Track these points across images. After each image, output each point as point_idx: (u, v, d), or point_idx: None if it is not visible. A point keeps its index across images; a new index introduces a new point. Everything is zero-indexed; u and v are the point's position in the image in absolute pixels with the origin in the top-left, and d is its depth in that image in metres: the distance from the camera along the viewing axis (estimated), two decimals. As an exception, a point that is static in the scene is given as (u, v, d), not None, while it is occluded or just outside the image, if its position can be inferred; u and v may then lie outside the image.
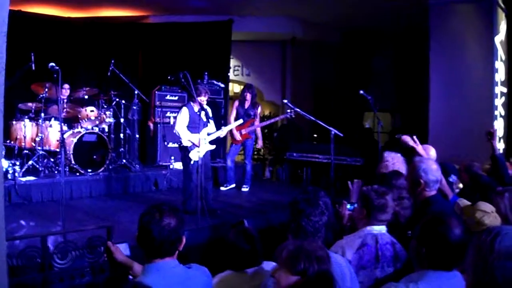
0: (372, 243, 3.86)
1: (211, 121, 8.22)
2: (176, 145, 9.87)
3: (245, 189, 10.59)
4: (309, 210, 3.49)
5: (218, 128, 8.68)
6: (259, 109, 10.71)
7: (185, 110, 8.29)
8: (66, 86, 10.39)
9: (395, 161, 5.56)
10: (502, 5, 10.78)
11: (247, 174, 10.64)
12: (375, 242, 3.86)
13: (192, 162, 8.10)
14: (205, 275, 3.18)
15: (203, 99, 8.16)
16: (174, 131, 8.27)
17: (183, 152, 8.28)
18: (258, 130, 10.80)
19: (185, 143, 8.11)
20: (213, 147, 8.48)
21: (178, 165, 10.75)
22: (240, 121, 9.59)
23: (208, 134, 8.23)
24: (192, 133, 8.09)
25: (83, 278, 4.75)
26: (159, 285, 2.89)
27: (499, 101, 10.44)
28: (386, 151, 5.92)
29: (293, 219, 3.51)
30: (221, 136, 8.51)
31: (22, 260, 4.34)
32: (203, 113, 7.72)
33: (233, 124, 9.38)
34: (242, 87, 12.90)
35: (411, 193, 4.63)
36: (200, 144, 7.95)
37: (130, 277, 3.51)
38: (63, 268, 4.68)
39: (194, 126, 8.08)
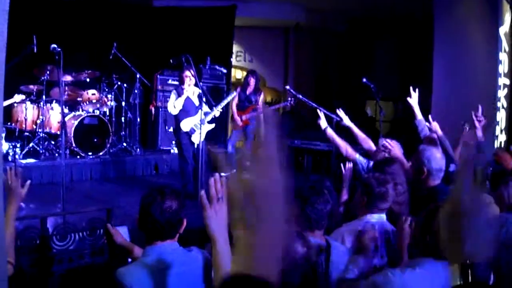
0: (374, 233, 3.84)
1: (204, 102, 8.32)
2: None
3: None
4: (313, 198, 3.47)
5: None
6: (262, 96, 10.67)
7: (172, 96, 8.45)
8: (73, 74, 10.33)
9: (391, 149, 5.53)
10: (507, -4, 10.72)
11: None
12: (374, 230, 3.85)
13: (195, 146, 8.14)
14: (206, 259, 3.17)
15: (188, 74, 8.29)
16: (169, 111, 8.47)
17: (178, 136, 8.40)
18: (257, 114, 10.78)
19: (184, 127, 8.19)
20: (213, 126, 8.58)
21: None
22: (234, 94, 9.50)
23: (205, 115, 8.26)
24: (186, 117, 8.21)
25: (82, 260, 4.74)
26: (159, 267, 2.89)
27: (502, 93, 10.40)
28: (381, 138, 5.89)
29: (296, 207, 3.48)
30: (216, 115, 8.54)
31: (20, 241, 4.32)
32: (194, 96, 8.09)
33: (225, 101, 9.21)
34: (244, 72, 12.86)
35: (414, 180, 4.62)
36: (199, 126, 8.11)
37: (130, 260, 3.50)
38: (62, 249, 4.67)
39: (186, 110, 8.26)
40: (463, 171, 1.12)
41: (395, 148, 5.50)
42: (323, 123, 6.32)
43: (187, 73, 8.32)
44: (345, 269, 3.30)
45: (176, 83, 11.68)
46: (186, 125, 8.26)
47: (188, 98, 8.27)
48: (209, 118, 8.39)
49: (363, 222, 3.94)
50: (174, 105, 8.26)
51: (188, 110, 8.28)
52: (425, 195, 4.46)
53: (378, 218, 3.95)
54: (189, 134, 8.27)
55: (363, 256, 3.26)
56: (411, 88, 6.06)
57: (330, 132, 6.28)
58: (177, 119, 8.35)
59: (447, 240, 1.18)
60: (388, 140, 5.65)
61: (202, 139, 8.09)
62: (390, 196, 4.01)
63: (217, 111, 8.55)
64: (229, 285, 1.04)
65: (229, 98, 9.22)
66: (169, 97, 8.57)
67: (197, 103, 8.28)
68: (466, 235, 1.12)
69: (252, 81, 10.35)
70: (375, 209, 3.97)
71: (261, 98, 10.57)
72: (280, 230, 1.11)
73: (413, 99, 6.00)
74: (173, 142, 11.24)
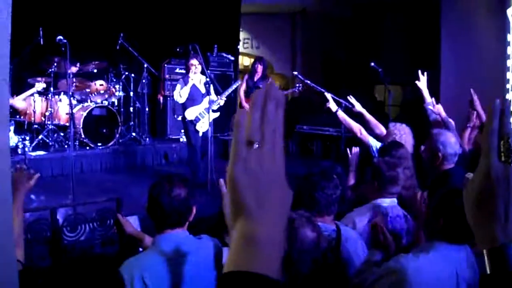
0: (383, 215, 3.82)
1: (212, 91, 8.47)
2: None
3: None
4: (323, 183, 3.45)
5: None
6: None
7: (177, 87, 8.52)
8: (77, 64, 10.32)
9: (402, 133, 5.49)
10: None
11: None
12: (385, 215, 3.83)
13: (200, 134, 8.27)
14: (216, 246, 3.16)
15: (194, 62, 8.36)
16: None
17: (184, 125, 8.53)
18: None
19: (188, 116, 8.30)
20: (218, 114, 8.69)
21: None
22: (238, 82, 9.50)
23: (210, 103, 8.36)
24: (192, 106, 8.32)
25: (93, 250, 4.76)
26: (169, 255, 2.88)
27: (510, 75, 10.31)
28: (391, 123, 5.85)
29: (306, 192, 3.45)
30: (221, 104, 8.63)
31: (31, 233, 4.34)
32: (200, 85, 8.29)
33: (230, 90, 9.12)
34: (251, 60, 12.83)
35: (429, 165, 4.61)
36: (204, 115, 8.28)
37: (141, 249, 3.50)
38: (72, 240, 4.69)
39: (193, 99, 8.34)
40: (490, 141, 1.05)
41: (405, 133, 5.48)
42: (332, 106, 6.31)
43: (193, 61, 8.39)
44: (359, 258, 3.28)
45: (183, 71, 11.76)
46: (191, 113, 8.35)
47: (194, 86, 8.35)
48: (214, 107, 8.46)
49: (374, 206, 3.92)
50: (180, 94, 8.29)
51: (194, 98, 8.37)
52: (439, 179, 4.44)
53: (389, 202, 3.93)
54: (194, 122, 8.35)
55: (381, 249, 3.23)
56: (419, 71, 6.02)
57: (341, 114, 6.26)
58: (184, 107, 8.42)
59: (475, 223, 1.13)
60: (398, 125, 5.62)
61: (207, 127, 8.23)
62: (401, 180, 4.00)
63: (221, 100, 8.59)
64: (227, 285, 0.97)
65: (234, 87, 9.20)
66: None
67: (203, 91, 8.38)
68: (499, 213, 1.07)
69: (259, 68, 10.34)
70: (386, 193, 3.95)
71: None
72: (284, 220, 1.00)
73: (422, 83, 5.97)
74: (182, 130, 11.26)
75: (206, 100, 8.38)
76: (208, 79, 8.28)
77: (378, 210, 3.85)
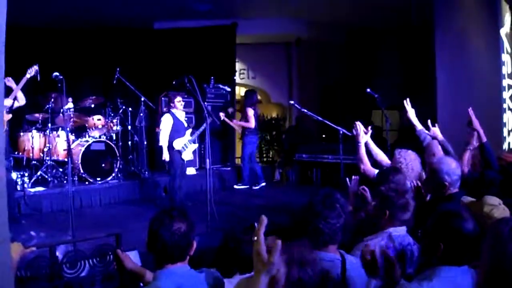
0: (395, 245, 3.78)
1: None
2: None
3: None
4: (326, 213, 3.42)
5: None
6: (248, 111, 11.17)
7: (168, 117, 9.00)
8: (69, 99, 10.34)
9: (408, 161, 5.44)
10: (506, -3, 10.68)
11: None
12: (397, 244, 3.78)
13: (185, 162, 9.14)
14: (217, 280, 3.12)
15: (179, 99, 9.14)
16: (160, 144, 9.09)
17: (171, 155, 8.97)
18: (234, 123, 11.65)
19: (176, 146, 8.90)
20: (196, 145, 9.57)
21: (188, 171, 10.65)
22: (204, 126, 9.51)
23: (192, 134, 9.17)
24: (178, 137, 8.95)
25: (93, 286, 4.72)
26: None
27: (506, 94, 10.32)
28: (397, 149, 5.77)
29: (309, 222, 3.42)
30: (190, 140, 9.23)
31: (30, 270, 4.30)
32: (183, 119, 9.24)
33: (200, 130, 9.17)
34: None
35: (434, 193, 4.59)
36: (188, 146, 9.06)
37: (141, 284, 3.46)
38: (72, 277, 4.64)
39: (178, 131, 8.96)
40: None
41: (411, 160, 5.43)
42: (363, 136, 6.11)
43: (178, 98, 9.08)
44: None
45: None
46: (178, 144, 8.90)
47: (178, 120, 9.01)
48: (192, 138, 9.17)
49: (386, 236, 3.86)
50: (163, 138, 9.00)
51: (179, 130, 8.95)
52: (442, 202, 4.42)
53: (400, 231, 3.88)
54: (181, 152, 8.92)
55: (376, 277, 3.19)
56: (405, 102, 6.05)
57: (363, 149, 6.09)
58: (170, 139, 8.94)
59: None
60: (404, 151, 5.57)
61: (191, 156, 9.21)
62: (411, 206, 3.95)
63: (191, 137, 9.18)
64: None
65: (201, 129, 9.15)
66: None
67: (185, 124, 9.20)
68: None
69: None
70: (397, 221, 3.90)
71: (248, 113, 11.20)
72: None
73: (410, 112, 6.00)
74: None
75: (188, 132, 9.05)
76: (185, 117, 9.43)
77: (392, 240, 3.80)
